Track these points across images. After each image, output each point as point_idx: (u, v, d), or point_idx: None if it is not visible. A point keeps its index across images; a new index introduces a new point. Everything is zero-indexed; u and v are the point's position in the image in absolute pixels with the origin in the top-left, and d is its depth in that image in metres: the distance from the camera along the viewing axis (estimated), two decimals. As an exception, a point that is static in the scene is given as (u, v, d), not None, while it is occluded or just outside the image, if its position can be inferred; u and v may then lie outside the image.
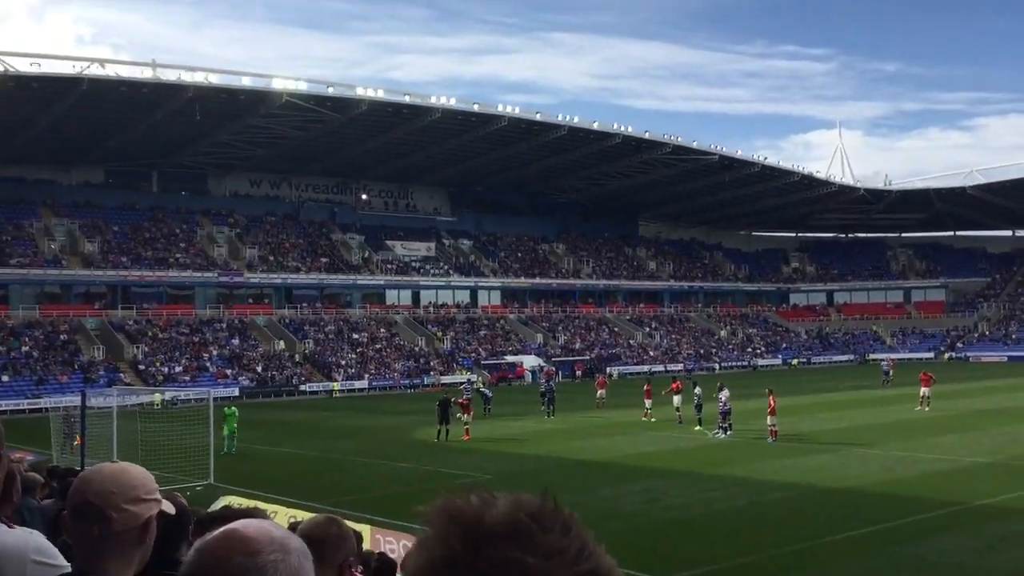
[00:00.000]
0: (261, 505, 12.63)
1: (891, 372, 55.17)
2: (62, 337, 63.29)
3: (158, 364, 62.28)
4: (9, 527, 2.41)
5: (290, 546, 1.51)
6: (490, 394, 43.98)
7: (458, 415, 33.24)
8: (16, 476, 4.61)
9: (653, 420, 36.24)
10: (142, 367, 61.39)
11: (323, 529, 3.33)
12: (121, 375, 58.71)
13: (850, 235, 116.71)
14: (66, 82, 59.09)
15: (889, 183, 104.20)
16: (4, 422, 2.52)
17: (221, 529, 1.54)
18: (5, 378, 56.50)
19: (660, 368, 79.62)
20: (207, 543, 1.52)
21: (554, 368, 70.72)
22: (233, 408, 31.60)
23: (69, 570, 2.26)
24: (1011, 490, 19.42)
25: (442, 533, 0.92)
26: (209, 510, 12.24)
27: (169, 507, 2.48)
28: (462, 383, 56.94)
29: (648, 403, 37.35)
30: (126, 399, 34.02)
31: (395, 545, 14.09)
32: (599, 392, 44.64)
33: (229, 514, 3.98)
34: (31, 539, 2.36)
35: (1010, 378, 56.31)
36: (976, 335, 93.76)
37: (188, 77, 63.60)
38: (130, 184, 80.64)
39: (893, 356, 75.31)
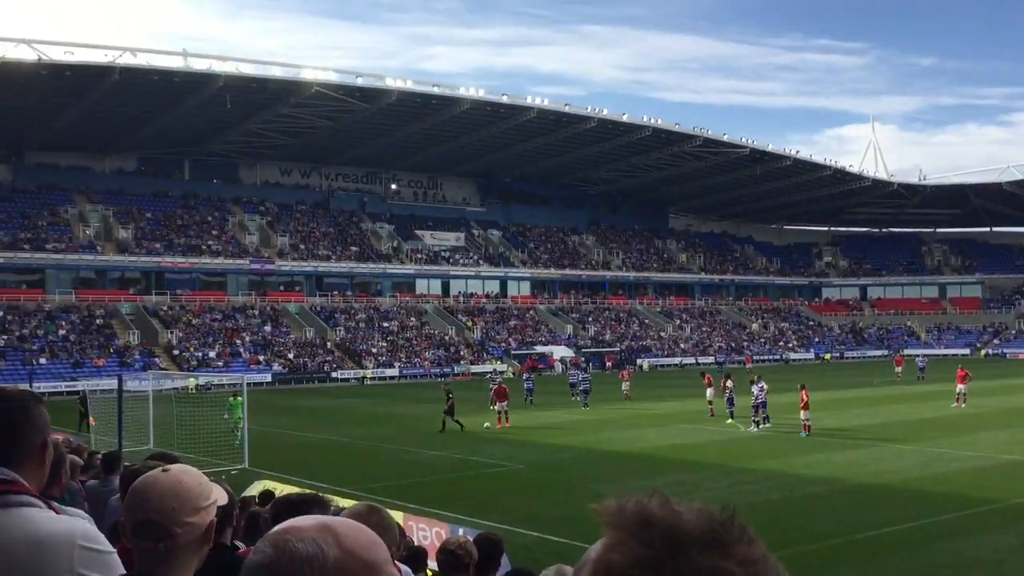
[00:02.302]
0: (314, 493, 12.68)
1: (925, 368, 54.60)
2: (98, 321, 64.14)
3: (192, 349, 62.94)
4: (57, 513, 2.39)
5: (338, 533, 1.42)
6: (532, 385, 43.79)
7: (492, 406, 33.21)
8: (64, 459, 4.64)
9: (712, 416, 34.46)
10: (176, 352, 62.08)
11: (365, 520, 3.25)
12: (156, 359, 59.44)
13: (884, 230, 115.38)
14: (99, 71, 59.73)
15: (924, 178, 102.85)
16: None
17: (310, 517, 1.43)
18: (43, 361, 57.37)
19: (691, 360, 79.33)
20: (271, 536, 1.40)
21: (581, 357, 70.70)
22: (239, 397, 29.21)
23: (115, 555, 2.25)
24: (1051, 488, 19.10)
25: (640, 536, 0.94)
26: (245, 493, 12.31)
27: (223, 497, 2.46)
28: (487, 373, 57.16)
29: (710, 393, 35.88)
30: (161, 383, 34.43)
31: (427, 532, 14.12)
32: (624, 385, 44.52)
33: (294, 499, 3.96)
34: (78, 525, 2.34)
35: (1047, 375, 55.38)
36: (1013, 332, 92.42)
37: (219, 67, 64.09)
38: (162, 172, 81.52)
39: (927, 352, 74.46)
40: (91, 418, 29.63)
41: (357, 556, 1.33)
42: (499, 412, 33.15)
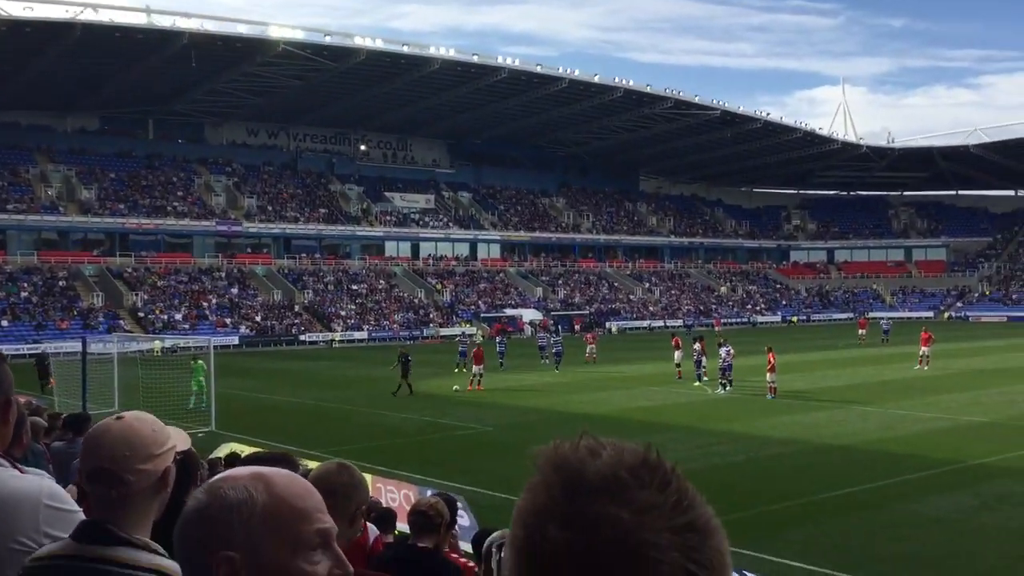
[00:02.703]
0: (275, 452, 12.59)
1: (890, 331, 55.35)
2: (61, 283, 63.25)
3: (157, 312, 62.31)
4: (21, 472, 2.37)
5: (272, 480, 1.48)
6: (504, 348, 43.69)
7: (465, 368, 33.17)
8: (25, 419, 4.55)
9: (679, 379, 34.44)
10: (141, 314, 61.42)
11: (334, 478, 3.19)
12: (120, 322, 58.78)
13: (852, 193, 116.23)
14: (59, 27, 58.35)
15: (892, 140, 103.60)
16: None
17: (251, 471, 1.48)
18: (4, 323, 56.56)
19: (660, 324, 79.81)
20: (207, 483, 1.49)
21: (550, 320, 70.91)
22: (200, 361, 28.54)
23: (80, 513, 2.23)
24: (1009, 450, 19.49)
25: (546, 481, 0.96)
26: (212, 455, 12.22)
27: (183, 442, 2.40)
28: (456, 336, 57.03)
29: (678, 356, 35.72)
30: (126, 345, 34.07)
31: (396, 494, 14.13)
32: (589, 347, 44.40)
33: (261, 457, 3.89)
34: (43, 484, 2.34)
35: (1010, 338, 56.43)
36: (976, 295, 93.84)
37: (183, 23, 62.81)
38: (126, 131, 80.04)
39: (891, 315, 75.45)
40: (52, 379, 29.36)
41: (288, 503, 1.39)
42: (475, 376, 32.95)
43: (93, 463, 2.10)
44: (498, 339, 49.91)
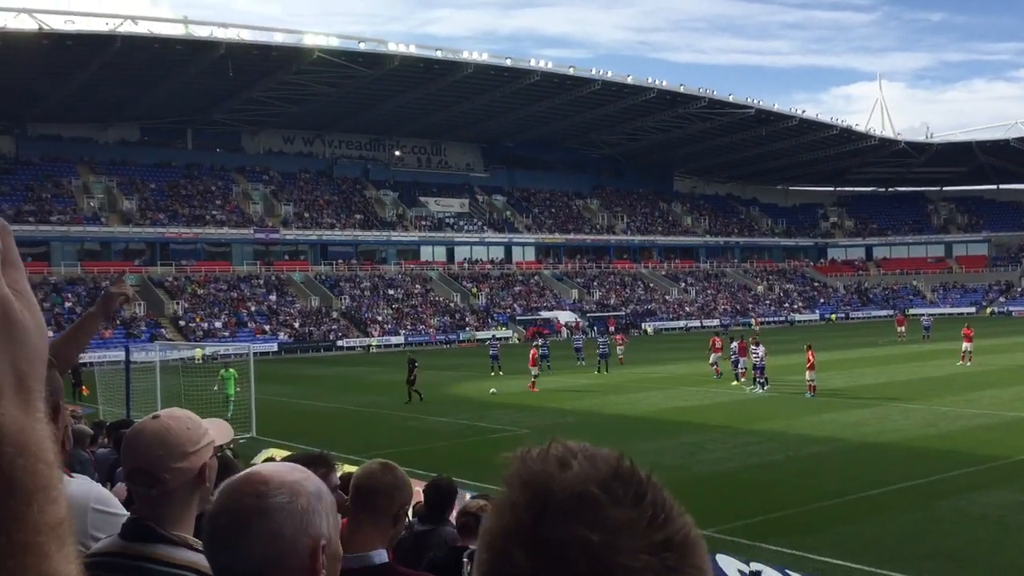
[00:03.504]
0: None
1: (931, 327, 54.55)
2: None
3: (198, 320, 63.16)
4: (70, 476, 2.43)
5: (301, 489, 1.60)
6: (547, 351, 43.39)
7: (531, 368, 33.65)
8: (68, 426, 4.68)
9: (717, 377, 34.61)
10: (182, 323, 62.29)
11: (377, 478, 3.20)
12: (162, 330, 59.68)
13: (890, 189, 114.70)
14: (100, 40, 59.37)
15: (931, 136, 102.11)
16: None
17: (245, 470, 1.69)
18: (50, 333, 57.21)
19: (696, 324, 79.37)
20: (228, 483, 1.64)
21: (584, 322, 70.86)
22: (231, 370, 28.11)
23: (127, 516, 2.30)
24: (1055, 445, 19.15)
25: (512, 500, 0.88)
26: (252, 461, 12.40)
27: (224, 434, 2.46)
28: (487, 339, 56.81)
29: (713, 356, 35.76)
30: (168, 354, 34.52)
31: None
32: (618, 349, 42.97)
33: (300, 458, 3.95)
34: (92, 488, 2.41)
35: (1053, 333, 55.29)
36: (1019, 289, 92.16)
37: (220, 33, 63.61)
38: (165, 142, 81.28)
39: (932, 311, 74.39)
40: (84, 387, 29.96)
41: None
42: (535, 376, 33.63)
43: (131, 463, 2.19)
44: (539, 342, 49.68)
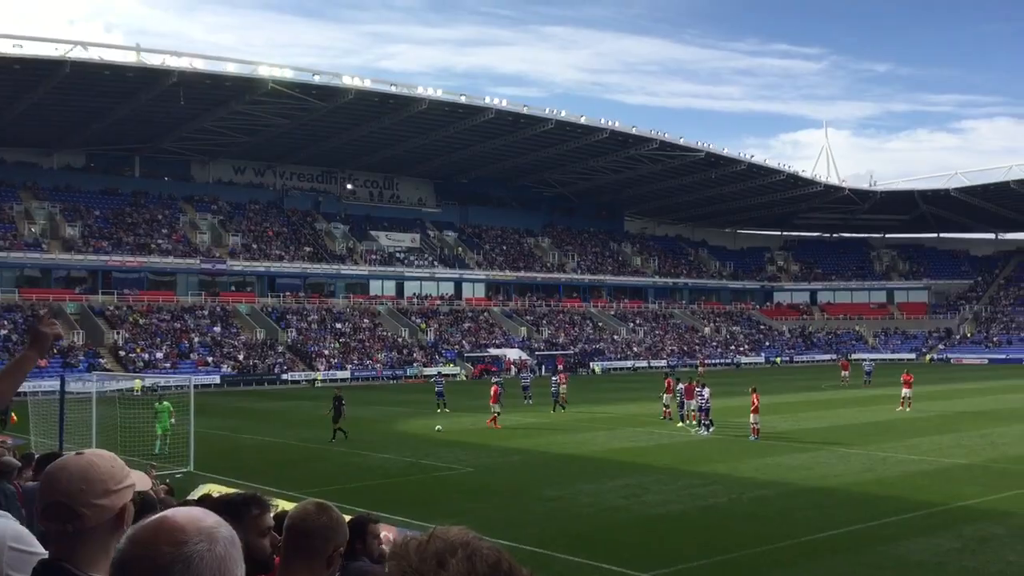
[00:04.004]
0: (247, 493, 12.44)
1: (872, 372, 55.50)
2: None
3: (139, 350, 61.82)
4: None
5: (217, 535, 1.59)
6: (501, 389, 42.94)
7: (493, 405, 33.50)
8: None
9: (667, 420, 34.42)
10: (122, 353, 60.92)
11: (312, 519, 3.10)
12: (101, 360, 58.26)
13: (835, 235, 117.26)
14: (49, 65, 58.45)
15: (874, 183, 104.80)
16: None
17: (154, 516, 1.63)
18: (-17, 362, 55.96)
19: (644, 364, 79.82)
20: (138, 530, 1.61)
21: (532, 360, 70.88)
22: (166, 403, 27.90)
23: (46, 556, 2.21)
24: (990, 492, 19.47)
25: None
26: (189, 497, 12.06)
27: (144, 483, 2.39)
28: (432, 376, 56.31)
29: (666, 398, 35.50)
30: (106, 384, 33.69)
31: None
32: (562, 388, 41.25)
33: (233, 499, 3.83)
34: (8, 526, 2.31)
35: (991, 380, 56.69)
36: (958, 337, 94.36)
37: (173, 62, 62.98)
38: (112, 169, 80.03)
39: (874, 356, 75.74)
40: (12, 416, 29.16)
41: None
42: (497, 412, 33.52)
43: (49, 497, 2.10)
44: (497, 379, 49.28)
